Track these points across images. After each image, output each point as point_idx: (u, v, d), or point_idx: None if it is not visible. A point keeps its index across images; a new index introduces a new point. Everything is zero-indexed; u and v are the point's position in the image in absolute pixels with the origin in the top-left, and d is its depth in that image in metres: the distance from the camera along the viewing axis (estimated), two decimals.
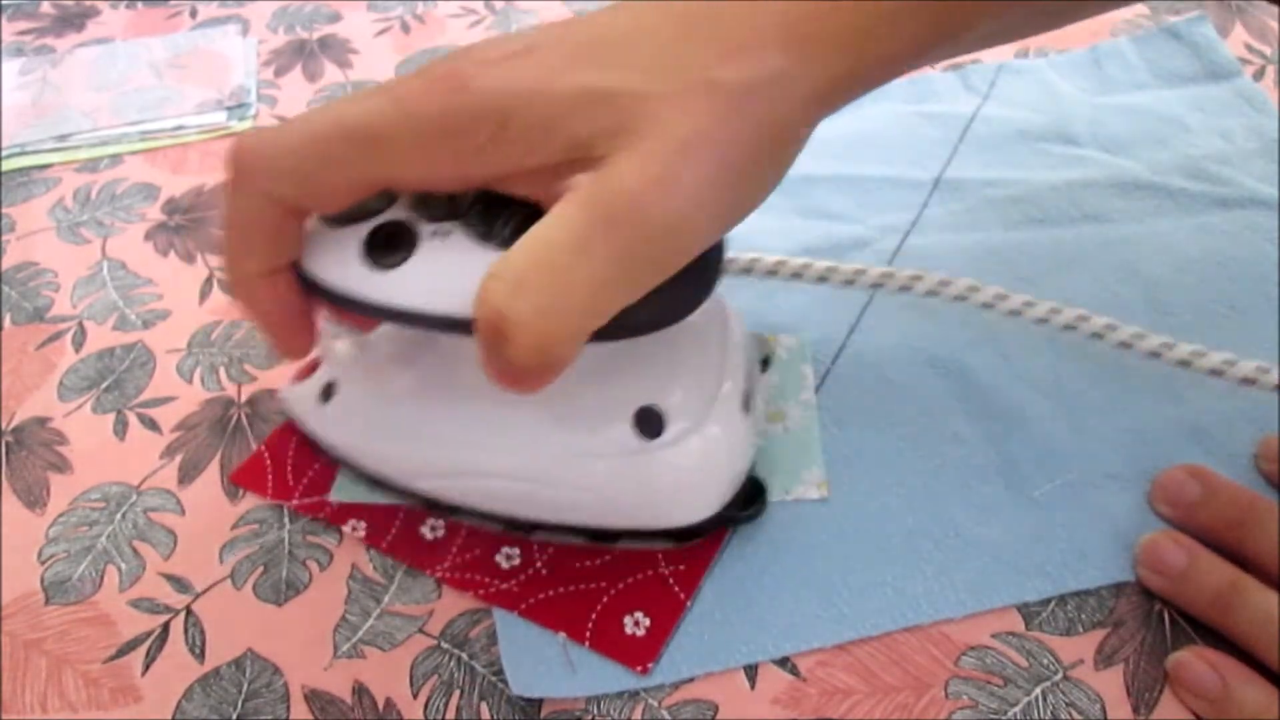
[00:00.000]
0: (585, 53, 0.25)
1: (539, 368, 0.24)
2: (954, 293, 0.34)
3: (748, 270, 0.37)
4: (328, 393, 0.35)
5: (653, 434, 0.30)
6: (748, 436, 0.32)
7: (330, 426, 0.35)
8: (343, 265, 0.28)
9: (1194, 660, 0.29)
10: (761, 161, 0.26)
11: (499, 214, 0.27)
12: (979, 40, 0.32)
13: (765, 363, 0.37)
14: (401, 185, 0.27)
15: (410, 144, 0.25)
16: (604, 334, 0.25)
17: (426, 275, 0.27)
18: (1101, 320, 0.34)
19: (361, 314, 0.28)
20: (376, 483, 0.35)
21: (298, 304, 0.29)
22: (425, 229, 0.27)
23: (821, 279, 0.36)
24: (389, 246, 0.28)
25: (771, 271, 0.37)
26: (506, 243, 0.25)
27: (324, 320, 0.32)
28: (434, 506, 0.34)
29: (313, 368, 0.36)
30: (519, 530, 0.33)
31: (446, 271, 0.27)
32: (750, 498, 0.33)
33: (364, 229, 0.28)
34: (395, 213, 0.28)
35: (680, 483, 0.31)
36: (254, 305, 0.29)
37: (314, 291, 0.29)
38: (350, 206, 0.28)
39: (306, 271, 0.29)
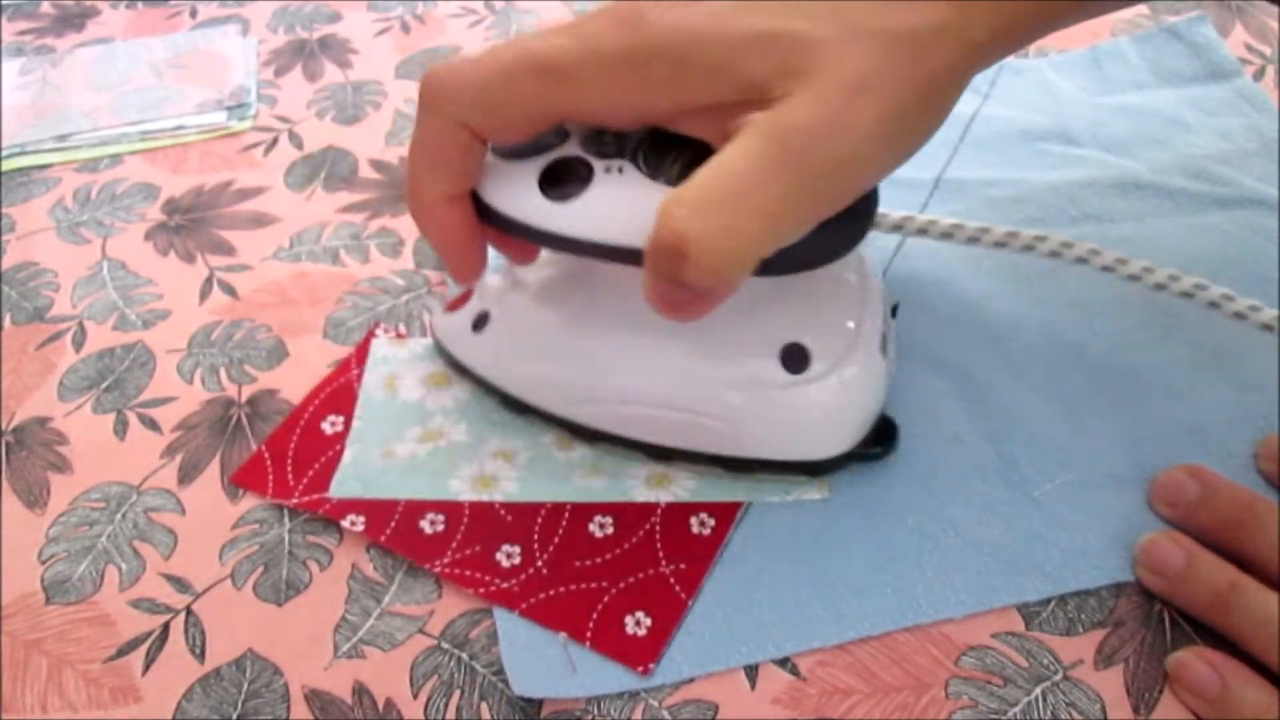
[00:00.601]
0: None
1: (710, 289, 0.26)
2: (1049, 248, 0.35)
3: (899, 227, 0.38)
4: (480, 322, 0.36)
5: (798, 369, 0.32)
6: (883, 377, 0.33)
7: (482, 354, 0.37)
8: (521, 196, 0.30)
9: (1194, 660, 0.29)
10: (924, 106, 0.27)
11: (667, 153, 0.29)
12: (1115, 2, 0.34)
13: (894, 311, 0.37)
14: (581, 118, 0.28)
15: (592, 78, 0.27)
16: (765, 269, 0.26)
17: (600, 207, 0.29)
18: (1165, 271, 0.35)
19: (537, 243, 0.30)
20: (523, 408, 0.36)
21: (474, 230, 0.31)
22: (598, 165, 0.29)
23: (972, 239, 0.37)
24: (564, 180, 0.29)
25: (922, 230, 0.38)
26: (674, 180, 0.27)
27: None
28: (578, 433, 0.35)
29: (466, 298, 0.38)
30: (659, 457, 0.35)
31: (619, 204, 0.28)
32: (881, 436, 0.34)
33: (541, 162, 0.30)
34: (569, 149, 0.30)
35: (822, 418, 0.33)
36: (434, 228, 0.31)
37: (492, 220, 0.30)
38: (529, 139, 0.29)
39: (485, 200, 0.30)
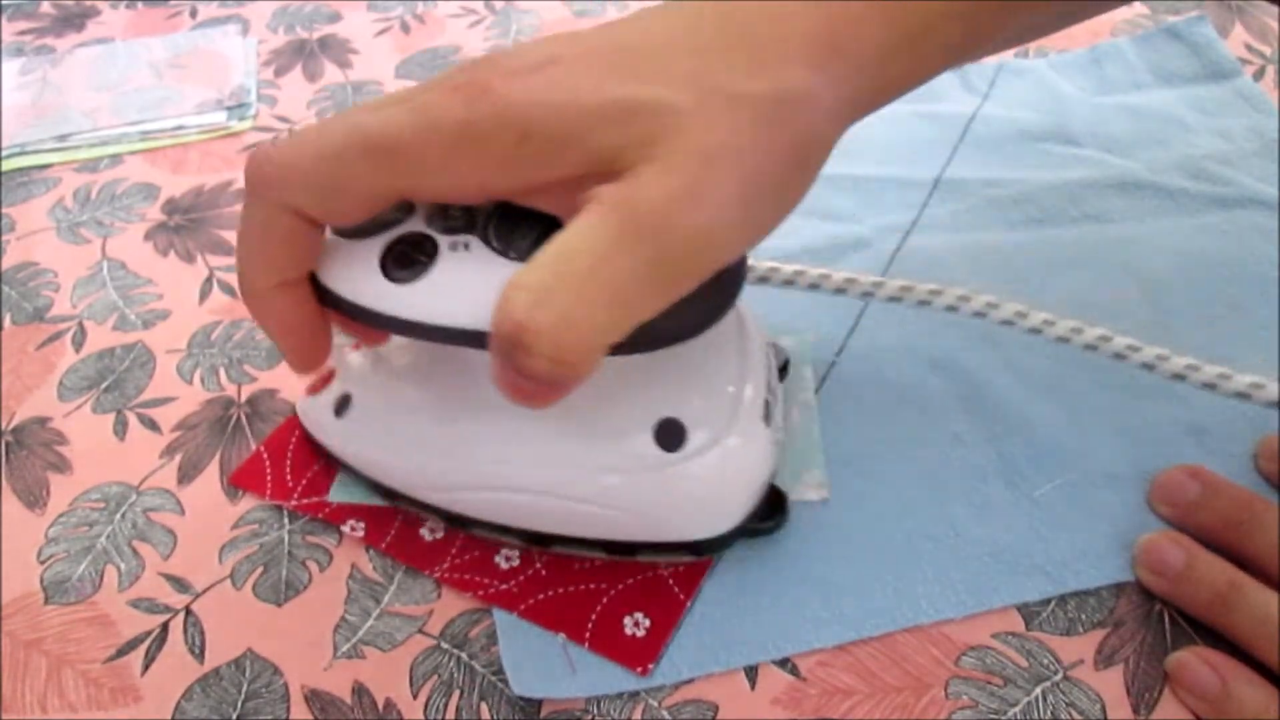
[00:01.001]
0: (610, 63, 0.25)
1: (557, 379, 0.24)
2: (945, 302, 0.34)
3: (765, 279, 0.37)
4: (342, 405, 0.34)
5: (674, 446, 0.30)
6: (769, 446, 0.31)
7: (345, 440, 0.35)
8: (360, 278, 0.28)
9: (1194, 660, 0.29)
10: (788, 174, 0.25)
11: (517, 226, 0.27)
12: (1001, 44, 0.32)
13: (783, 370, 0.36)
14: (421, 197, 0.27)
15: (431, 155, 0.25)
16: (624, 346, 0.24)
17: (445, 288, 0.27)
18: (1095, 331, 0.34)
19: (379, 327, 0.28)
20: (392, 495, 0.34)
21: (313, 316, 0.29)
22: (444, 241, 0.27)
23: (813, 286, 0.36)
24: (407, 259, 0.27)
25: (764, 278, 0.36)
26: (525, 255, 0.25)
27: (339, 333, 0.32)
28: (451, 521, 0.34)
29: (327, 380, 0.36)
30: (537, 544, 0.33)
31: (466, 284, 0.26)
32: (771, 508, 0.32)
33: (382, 241, 0.28)
34: (413, 225, 0.28)
35: (703, 495, 0.31)
36: (269, 317, 0.29)
37: (331, 304, 0.29)
38: (368, 218, 0.27)
39: (324, 284, 0.28)
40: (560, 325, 0.23)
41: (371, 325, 0.28)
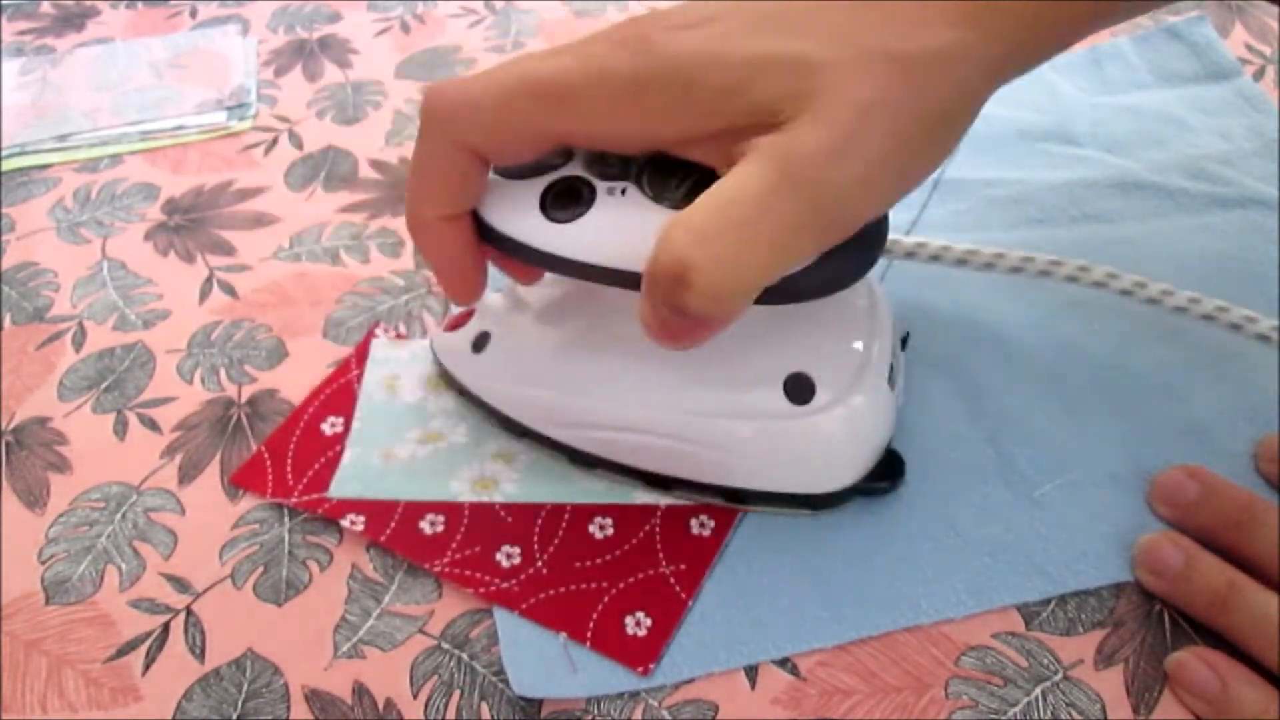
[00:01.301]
0: (767, 21, 0.26)
1: (709, 317, 0.25)
2: (1066, 273, 0.35)
3: (911, 254, 0.37)
4: (480, 343, 0.36)
5: (802, 400, 0.31)
6: (891, 408, 0.33)
7: (481, 375, 0.36)
8: (522, 216, 0.29)
9: (1193, 660, 0.29)
10: (935, 132, 0.26)
11: (672, 176, 0.28)
12: (1135, 8, 0.33)
13: (904, 341, 0.37)
14: (584, 142, 0.28)
15: (597, 102, 0.26)
16: (768, 297, 0.26)
17: (602, 230, 0.28)
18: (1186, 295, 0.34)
19: (536, 264, 0.30)
20: (521, 431, 0.35)
21: (473, 250, 0.30)
22: (601, 186, 0.29)
23: (934, 258, 0.36)
24: (567, 201, 0.29)
25: (935, 257, 0.37)
26: (678, 204, 0.27)
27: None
28: (576, 459, 0.35)
29: (464, 319, 0.37)
30: (657, 486, 0.34)
31: (622, 227, 0.28)
32: (888, 470, 0.33)
33: (542, 183, 0.29)
34: (572, 169, 0.29)
35: (826, 450, 0.32)
36: (432, 249, 0.30)
37: (492, 240, 0.30)
38: (532, 160, 0.29)
39: (487, 220, 0.30)
40: (719, 264, 0.24)
41: (529, 262, 0.30)
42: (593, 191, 0.29)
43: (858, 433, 0.32)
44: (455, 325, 0.37)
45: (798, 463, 0.32)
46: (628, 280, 0.27)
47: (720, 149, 0.26)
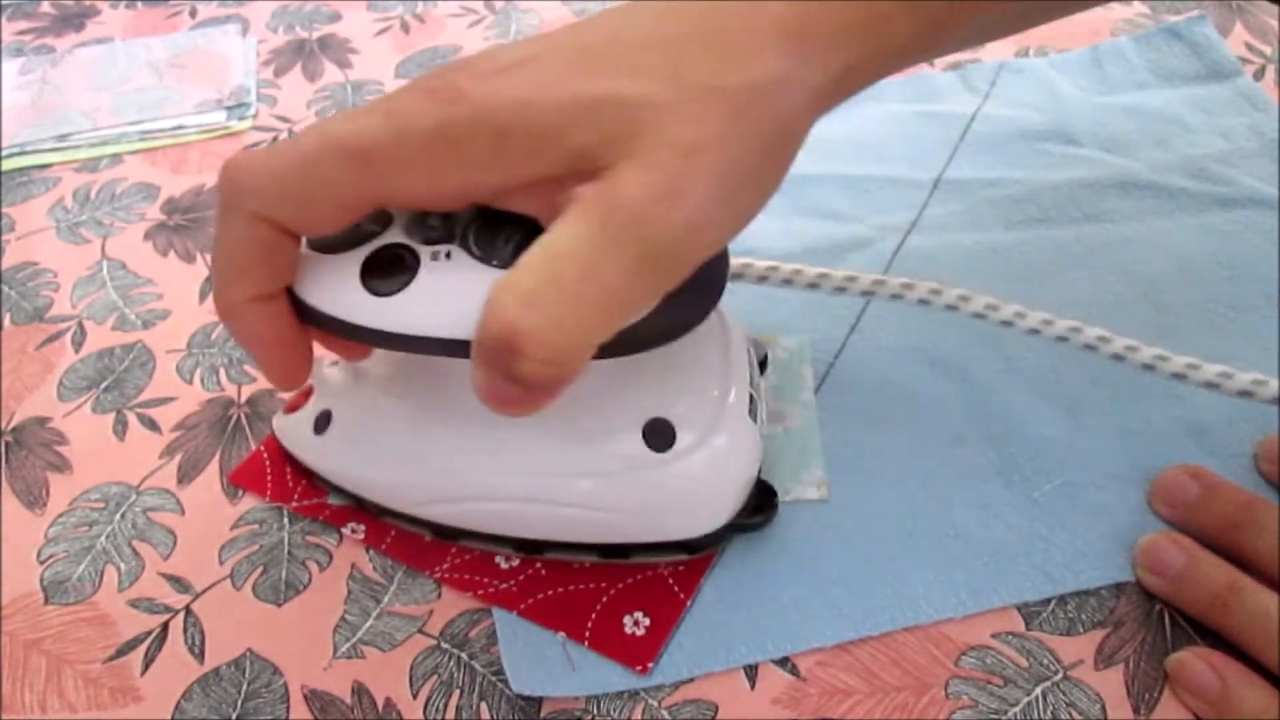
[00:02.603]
0: (584, 60, 0.25)
1: (548, 382, 0.24)
2: (945, 301, 0.34)
3: (738, 276, 0.37)
4: (322, 422, 0.34)
5: (664, 446, 0.30)
6: (756, 442, 0.31)
7: (327, 457, 0.34)
8: (341, 292, 0.27)
9: (1194, 661, 0.29)
10: (765, 164, 0.26)
11: (498, 233, 0.26)
12: (973, 35, 0.32)
13: (763, 365, 0.36)
14: (398, 204, 0.27)
15: (407, 160, 0.25)
16: (611, 349, 0.24)
17: (429, 298, 0.27)
18: (1095, 331, 0.33)
19: (363, 341, 0.28)
20: (379, 510, 0.34)
21: (293, 331, 0.28)
22: (424, 252, 0.27)
23: (812, 285, 0.36)
24: (389, 271, 0.27)
25: (763, 277, 0.36)
26: (507, 263, 0.25)
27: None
28: (440, 533, 0.33)
29: (304, 397, 0.36)
30: (530, 552, 0.33)
31: (450, 294, 0.26)
32: (760, 504, 0.32)
33: (361, 254, 0.27)
34: (391, 236, 0.28)
35: (695, 493, 0.31)
36: (246, 333, 0.28)
37: (312, 320, 0.28)
38: (345, 230, 0.27)
39: (303, 299, 0.28)
40: (551, 326, 0.23)
41: (354, 339, 0.28)
42: (416, 258, 0.27)
43: (726, 471, 0.31)
44: (294, 407, 0.36)
45: (668, 510, 0.31)
46: (463, 350, 0.25)
47: (542, 199, 0.25)
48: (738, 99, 0.24)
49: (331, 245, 0.28)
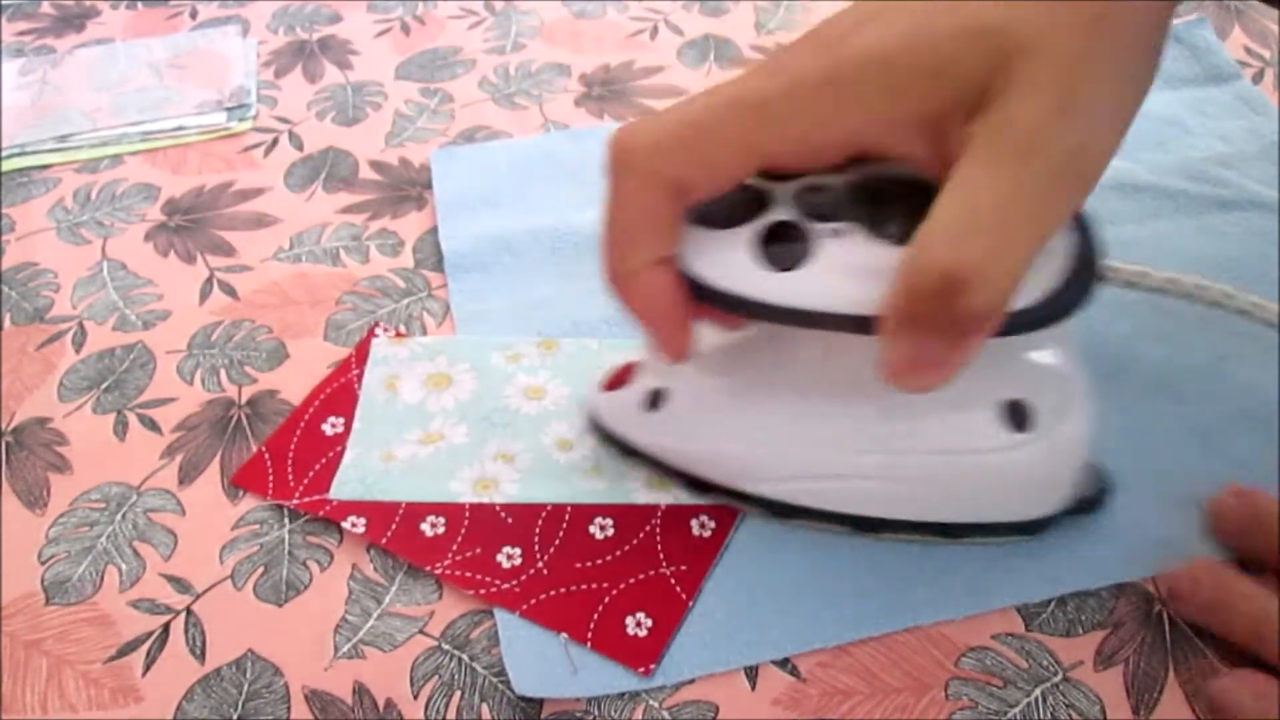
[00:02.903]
0: None
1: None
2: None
3: (1132, 284, 0.37)
4: (655, 400, 0.34)
5: (1021, 427, 0.30)
6: (1092, 425, 0.31)
7: (660, 435, 0.34)
8: (736, 266, 0.28)
9: (1236, 686, 0.28)
10: (1137, 66, 0.26)
11: (886, 208, 0.27)
12: None
13: None
14: (787, 157, 0.27)
15: (798, 109, 0.26)
16: (1012, 328, 0.26)
17: (832, 273, 0.27)
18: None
19: (757, 317, 0.28)
20: (706, 488, 0.34)
21: (684, 299, 0.29)
22: (815, 228, 0.27)
23: (1187, 296, 0.36)
24: (785, 247, 0.27)
25: (1161, 289, 0.36)
26: (898, 237, 0.26)
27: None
28: (775, 511, 0.33)
29: (624, 377, 0.35)
30: (865, 531, 0.33)
31: (848, 269, 0.27)
32: (1100, 487, 0.33)
33: (749, 230, 0.28)
34: (777, 214, 0.28)
35: (1045, 475, 0.31)
36: (642, 300, 0.29)
37: (706, 297, 0.28)
38: (730, 207, 0.28)
39: (695, 274, 0.28)
40: (989, 257, 0.24)
41: (747, 315, 0.28)
42: (806, 235, 0.27)
43: (1074, 453, 0.31)
44: (615, 384, 0.35)
45: (1018, 491, 0.31)
46: (855, 325, 0.26)
47: (931, 139, 0.26)
48: (1101, 12, 0.25)
49: (717, 222, 0.28)
